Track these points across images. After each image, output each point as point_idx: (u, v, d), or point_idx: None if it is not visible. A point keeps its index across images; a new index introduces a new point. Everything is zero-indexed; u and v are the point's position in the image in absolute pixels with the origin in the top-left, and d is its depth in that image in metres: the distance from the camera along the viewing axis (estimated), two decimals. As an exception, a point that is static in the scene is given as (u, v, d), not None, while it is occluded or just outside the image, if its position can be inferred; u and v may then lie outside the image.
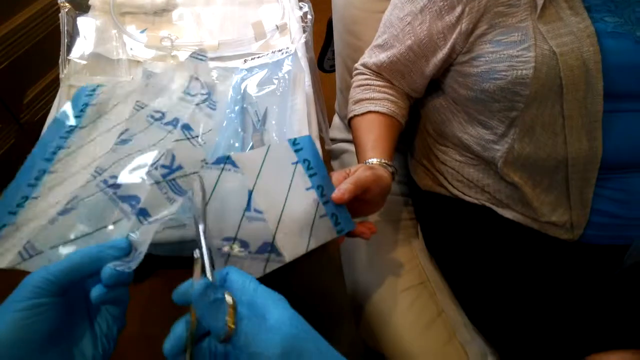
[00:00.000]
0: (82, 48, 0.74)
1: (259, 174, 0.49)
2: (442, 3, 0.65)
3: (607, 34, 0.61)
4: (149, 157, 0.52)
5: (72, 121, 0.59)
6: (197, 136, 0.58)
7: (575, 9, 0.62)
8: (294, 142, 0.53)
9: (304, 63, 0.73)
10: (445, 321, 0.70)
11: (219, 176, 0.46)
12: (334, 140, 1.03)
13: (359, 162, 0.69)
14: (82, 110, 0.61)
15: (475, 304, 0.69)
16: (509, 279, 0.65)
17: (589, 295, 0.60)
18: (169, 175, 0.49)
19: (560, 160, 0.64)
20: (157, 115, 0.61)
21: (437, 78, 0.75)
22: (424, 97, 0.80)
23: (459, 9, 0.64)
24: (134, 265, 0.37)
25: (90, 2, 0.82)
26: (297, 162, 0.52)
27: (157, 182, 0.47)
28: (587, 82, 0.60)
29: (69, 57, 0.72)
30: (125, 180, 0.49)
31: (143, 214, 0.45)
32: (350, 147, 0.99)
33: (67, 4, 0.77)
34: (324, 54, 1.13)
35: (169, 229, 0.49)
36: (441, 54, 0.68)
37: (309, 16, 0.83)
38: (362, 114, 0.73)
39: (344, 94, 1.01)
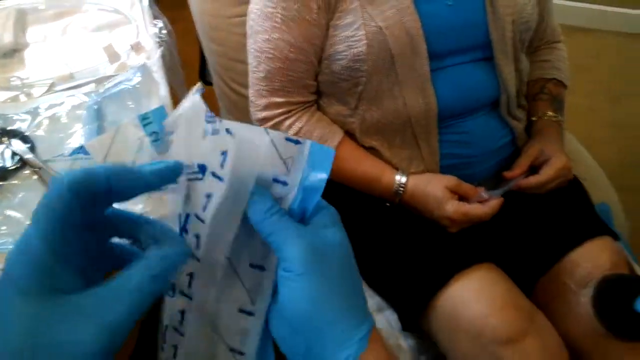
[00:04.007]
0: None
1: (106, 155, 0.50)
2: (297, 5, 0.66)
3: (423, 1, 0.69)
4: None
5: None
6: None
7: None
8: (143, 117, 0.55)
9: (159, 76, 0.75)
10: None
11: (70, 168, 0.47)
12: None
13: (382, 188, 0.71)
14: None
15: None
16: (381, 229, 0.71)
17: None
18: None
19: (405, 120, 0.71)
20: None
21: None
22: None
23: (314, 5, 0.66)
24: None
25: None
26: (143, 137, 0.54)
27: None
28: (413, 48, 0.68)
29: None
30: None
31: None
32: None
33: None
34: (204, 68, 1.15)
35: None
36: (321, 50, 0.70)
37: (163, 31, 0.85)
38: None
39: (222, 100, 1.04)
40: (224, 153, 0.31)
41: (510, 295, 0.60)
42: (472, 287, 0.60)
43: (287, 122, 0.72)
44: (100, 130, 0.66)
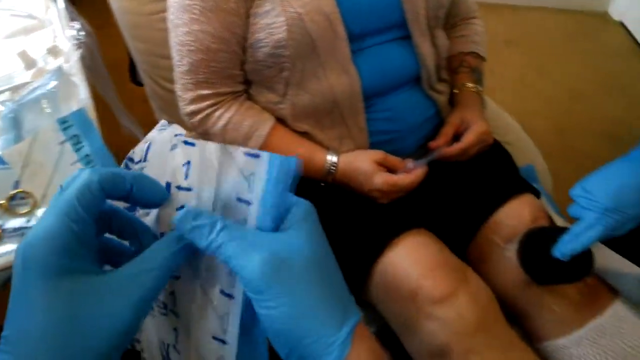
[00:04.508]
0: None
1: (24, 163, 0.49)
2: None
3: None
4: None
5: None
6: None
7: None
8: (62, 121, 0.54)
9: (78, 79, 0.73)
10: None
11: None
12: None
13: (315, 169, 0.73)
14: None
15: None
16: (317, 209, 0.73)
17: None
18: None
19: (332, 101, 0.73)
20: None
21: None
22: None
23: None
24: None
25: None
26: (64, 141, 0.53)
27: None
28: (332, 32, 0.69)
29: None
30: None
31: None
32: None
33: None
34: (133, 69, 1.12)
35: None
36: (244, 39, 0.70)
37: (81, 33, 0.83)
38: (263, 142, 0.72)
39: (154, 100, 1.02)
40: (186, 164, 0.31)
41: (441, 256, 0.64)
42: (405, 252, 0.63)
43: (217, 114, 0.73)
44: (17, 139, 0.64)
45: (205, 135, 0.75)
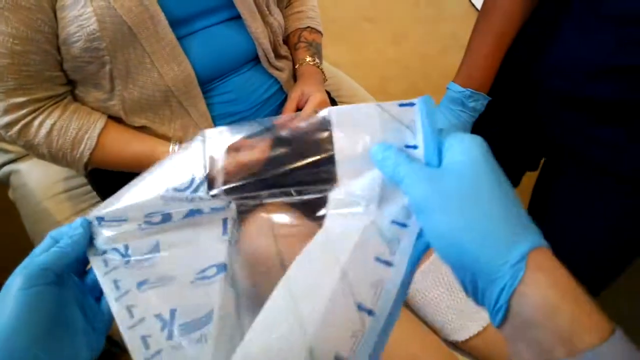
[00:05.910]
0: None
1: None
2: None
3: None
4: None
5: None
6: None
7: None
8: None
9: None
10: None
11: None
12: (-3, 168, 0.93)
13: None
14: None
15: None
16: None
17: None
18: None
19: (166, 91, 0.71)
20: None
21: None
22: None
23: None
24: None
25: None
26: None
27: None
28: (151, 18, 0.66)
29: None
30: None
31: None
32: (16, 166, 0.92)
33: None
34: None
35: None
36: (54, 36, 0.65)
37: None
38: (95, 145, 0.69)
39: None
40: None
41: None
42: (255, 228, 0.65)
43: (36, 122, 0.66)
44: None
45: (29, 148, 0.68)
